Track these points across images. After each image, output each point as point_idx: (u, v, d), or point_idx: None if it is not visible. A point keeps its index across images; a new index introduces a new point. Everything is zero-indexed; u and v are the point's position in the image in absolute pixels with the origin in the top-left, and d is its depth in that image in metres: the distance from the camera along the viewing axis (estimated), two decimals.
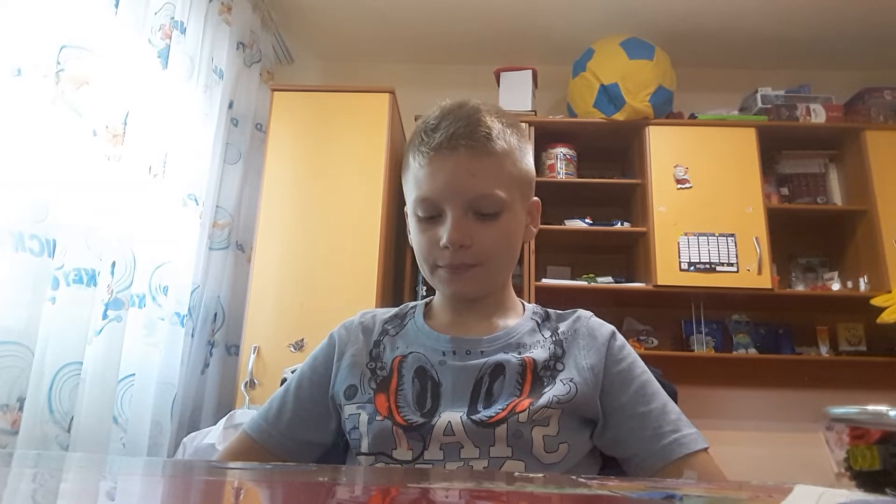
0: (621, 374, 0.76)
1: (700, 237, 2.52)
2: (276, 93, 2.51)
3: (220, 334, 2.45)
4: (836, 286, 2.58)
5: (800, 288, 2.68)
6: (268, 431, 0.81)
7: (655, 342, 2.68)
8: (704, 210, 2.55)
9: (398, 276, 2.64)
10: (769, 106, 2.72)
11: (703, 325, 2.64)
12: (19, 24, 1.47)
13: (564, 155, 2.69)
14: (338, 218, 2.34)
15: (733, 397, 2.73)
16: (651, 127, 2.64)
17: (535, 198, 0.85)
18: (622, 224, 2.68)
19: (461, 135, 0.75)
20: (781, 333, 2.70)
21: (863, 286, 2.51)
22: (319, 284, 2.27)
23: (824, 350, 2.65)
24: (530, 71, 2.77)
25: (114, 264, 1.75)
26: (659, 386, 0.78)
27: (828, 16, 2.68)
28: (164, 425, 1.98)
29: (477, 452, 0.70)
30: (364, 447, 0.73)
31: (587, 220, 2.66)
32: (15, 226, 1.45)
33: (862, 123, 2.67)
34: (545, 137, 2.71)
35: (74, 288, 1.60)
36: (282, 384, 0.86)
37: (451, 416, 0.71)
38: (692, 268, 2.48)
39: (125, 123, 1.80)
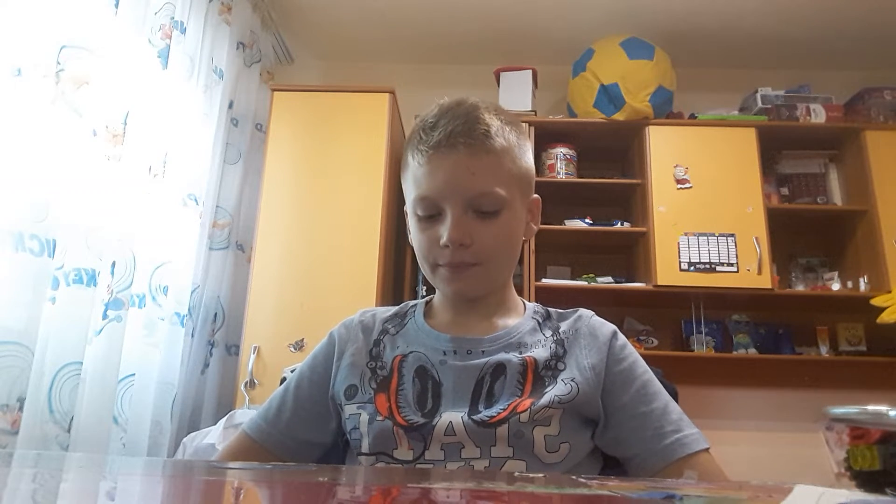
0: (623, 374, 0.76)
1: (700, 237, 2.52)
2: (276, 93, 2.52)
3: (220, 334, 2.45)
4: (836, 286, 2.58)
5: (800, 288, 2.68)
6: (267, 431, 0.80)
7: (655, 342, 2.68)
8: (704, 210, 2.54)
9: (398, 276, 2.63)
10: (769, 106, 2.72)
11: (703, 325, 2.64)
12: (19, 24, 1.47)
13: (564, 155, 2.68)
14: (338, 218, 2.34)
15: (733, 397, 2.73)
16: (651, 127, 2.64)
17: (536, 195, 0.84)
18: (622, 224, 2.68)
19: (460, 133, 0.74)
20: (781, 333, 2.70)
21: (863, 286, 2.50)
22: (319, 284, 2.27)
23: (824, 350, 2.64)
24: (530, 71, 2.76)
25: (114, 264, 1.75)
26: (660, 386, 0.77)
27: (828, 16, 2.68)
28: (164, 425, 1.98)
29: (478, 452, 0.69)
30: (365, 447, 0.73)
31: (587, 220, 2.66)
32: (15, 226, 1.45)
33: (862, 123, 2.66)
34: (545, 137, 2.71)
35: (74, 288, 1.60)
36: (281, 384, 0.86)
37: (452, 416, 0.71)
38: (692, 268, 2.48)
39: (125, 123, 1.80)
